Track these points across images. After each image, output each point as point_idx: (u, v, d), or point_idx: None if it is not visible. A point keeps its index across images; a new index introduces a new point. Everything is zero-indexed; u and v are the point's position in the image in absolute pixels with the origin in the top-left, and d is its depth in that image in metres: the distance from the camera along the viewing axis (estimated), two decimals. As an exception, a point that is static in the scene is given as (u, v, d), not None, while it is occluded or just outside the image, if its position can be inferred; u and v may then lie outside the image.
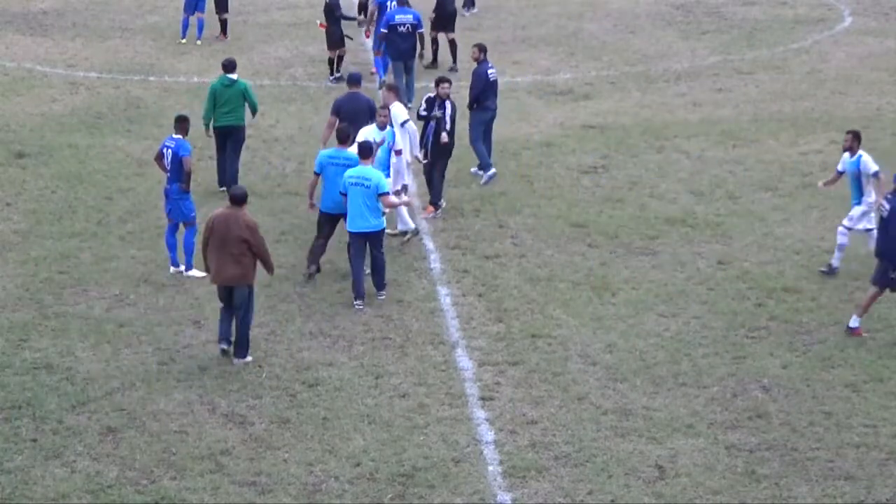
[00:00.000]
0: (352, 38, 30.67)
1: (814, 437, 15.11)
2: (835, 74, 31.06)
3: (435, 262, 20.30)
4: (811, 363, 16.91)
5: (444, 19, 31.44)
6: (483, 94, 23.76)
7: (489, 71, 23.92)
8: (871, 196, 19.58)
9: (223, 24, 34.22)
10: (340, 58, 30.62)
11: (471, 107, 23.79)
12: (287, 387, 16.32)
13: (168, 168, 19.67)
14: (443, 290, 19.23)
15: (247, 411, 15.73)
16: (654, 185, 23.59)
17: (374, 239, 18.82)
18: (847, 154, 19.86)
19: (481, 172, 23.83)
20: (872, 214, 19.51)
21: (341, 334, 17.83)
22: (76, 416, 15.56)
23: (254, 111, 23.59)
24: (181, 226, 19.88)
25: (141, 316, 18.35)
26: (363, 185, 18.54)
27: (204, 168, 23.90)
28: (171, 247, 19.78)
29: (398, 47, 28.65)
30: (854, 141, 19.78)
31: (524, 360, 17.02)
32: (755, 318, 18.25)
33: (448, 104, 21.96)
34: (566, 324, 18.08)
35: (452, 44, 31.37)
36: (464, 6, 37.31)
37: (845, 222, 19.72)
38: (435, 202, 22.19)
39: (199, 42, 33.86)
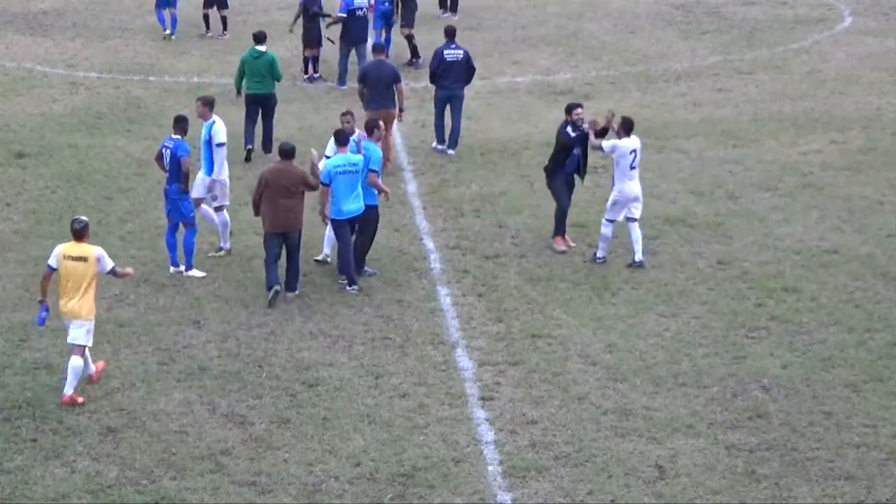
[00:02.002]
0: (333, 42, 30.65)
1: (814, 437, 15.10)
2: (835, 74, 31.07)
3: (435, 262, 20.30)
4: (811, 363, 16.90)
5: (406, 16, 31.83)
6: (439, 72, 25.31)
7: (446, 52, 25.37)
8: (626, 183, 19.88)
9: (223, 20, 34.44)
10: (315, 58, 30.66)
11: (432, 82, 25.74)
12: (287, 387, 16.32)
13: (167, 168, 19.68)
14: (443, 290, 19.23)
15: (247, 411, 15.73)
16: (654, 185, 23.58)
17: (363, 218, 19.34)
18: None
19: (441, 147, 25.54)
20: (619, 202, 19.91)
21: (341, 334, 17.83)
22: (76, 416, 15.56)
23: (277, 81, 25.25)
24: (181, 226, 19.89)
25: (141, 316, 18.36)
26: (351, 171, 19.07)
27: (204, 168, 23.90)
28: (171, 247, 19.79)
29: (353, 31, 29.67)
30: (621, 127, 19.97)
31: (524, 360, 17.01)
32: (755, 318, 18.25)
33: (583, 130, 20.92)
34: (566, 324, 18.08)
35: (410, 38, 31.86)
36: (440, 7, 37.33)
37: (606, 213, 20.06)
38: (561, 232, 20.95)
39: (173, 37, 34.30)
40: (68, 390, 15.80)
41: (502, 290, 19.22)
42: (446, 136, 25.58)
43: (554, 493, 14.06)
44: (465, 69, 25.49)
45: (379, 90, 24.18)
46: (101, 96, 29.31)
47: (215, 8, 34.64)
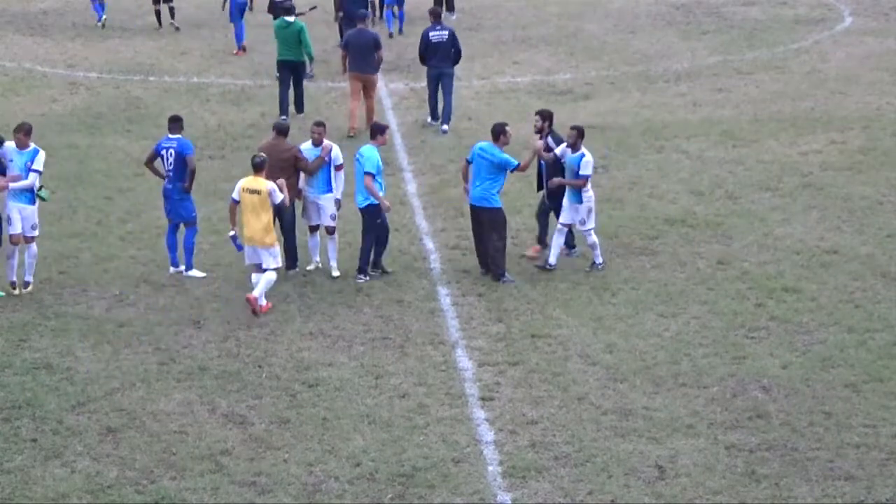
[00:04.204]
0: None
1: (814, 437, 15.10)
2: (835, 74, 31.07)
3: (435, 262, 20.30)
4: (811, 363, 16.90)
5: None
6: (427, 53, 26.98)
7: (431, 34, 27.00)
8: (588, 192, 19.65)
9: (171, 11, 35.66)
10: None
11: (422, 63, 27.43)
12: (287, 387, 16.32)
13: (170, 168, 19.63)
14: (443, 290, 19.23)
15: (247, 411, 15.73)
16: (654, 185, 23.60)
17: (362, 215, 19.52)
18: (569, 150, 19.67)
19: (434, 123, 27.25)
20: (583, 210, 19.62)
21: (341, 334, 17.83)
22: (76, 416, 15.56)
23: (308, 55, 27.82)
24: (180, 226, 19.88)
25: (141, 316, 18.36)
26: (359, 161, 19.40)
27: (204, 168, 23.90)
28: (171, 247, 19.79)
29: (350, 12, 30.84)
30: (578, 138, 19.63)
31: (524, 360, 17.01)
32: (755, 318, 18.25)
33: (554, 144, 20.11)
34: (566, 324, 18.08)
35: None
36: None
37: (581, 227, 19.60)
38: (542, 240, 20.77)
39: (100, 24, 35.88)
40: (260, 298, 18.25)
41: (502, 290, 19.22)
42: (440, 112, 27.17)
43: (554, 493, 14.06)
44: (451, 48, 27.01)
45: (359, 56, 26.51)
46: (101, 96, 29.31)
47: (162, 2, 35.61)
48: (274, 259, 18.45)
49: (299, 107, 27.84)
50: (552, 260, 19.77)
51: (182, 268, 19.77)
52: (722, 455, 14.73)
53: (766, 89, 29.84)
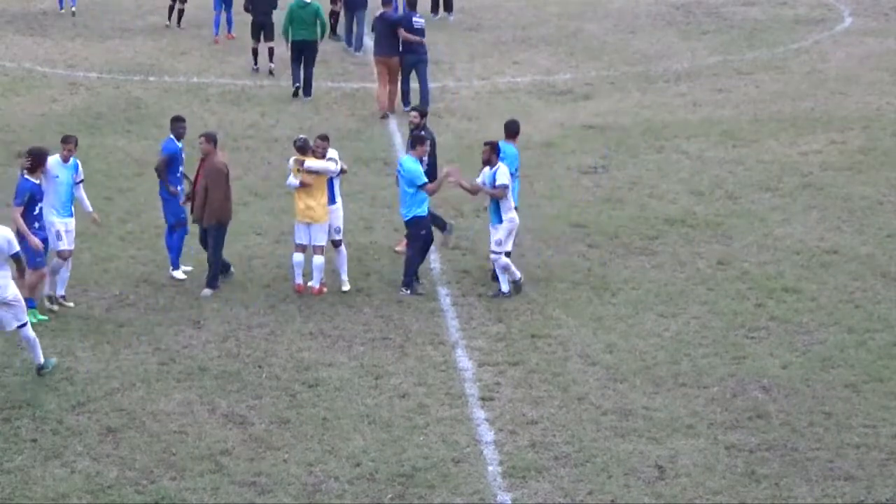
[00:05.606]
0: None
1: (814, 437, 15.10)
2: (835, 74, 31.06)
3: (435, 262, 20.30)
4: (811, 363, 16.90)
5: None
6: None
7: (414, 19, 28.02)
8: (513, 210, 18.98)
9: (180, 13, 35.63)
10: (271, 50, 30.86)
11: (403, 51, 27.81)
12: (287, 387, 16.32)
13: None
14: (443, 290, 19.23)
15: (247, 411, 15.73)
16: (654, 185, 23.59)
17: (406, 227, 19.41)
18: (486, 168, 19.08)
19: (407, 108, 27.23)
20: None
21: (341, 334, 17.83)
22: (76, 416, 15.56)
23: (323, 31, 29.33)
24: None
25: (141, 316, 18.36)
26: (399, 173, 19.31)
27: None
28: (170, 248, 19.77)
29: (352, 2, 32.88)
30: (492, 154, 18.99)
31: (524, 360, 17.01)
32: (755, 318, 18.25)
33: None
34: (566, 324, 18.08)
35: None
36: (432, 10, 36.77)
37: (496, 248, 18.87)
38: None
39: (71, 9, 37.04)
40: (315, 284, 19.07)
41: (502, 290, 19.21)
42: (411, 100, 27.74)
43: (554, 493, 14.06)
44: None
45: (383, 39, 27.80)
46: (101, 96, 29.31)
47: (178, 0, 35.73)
48: (323, 236, 19.06)
49: (307, 89, 28.91)
50: (504, 287, 19.05)
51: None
52: (722, 455, 14.74)
53: (766, 89, 29.85)
